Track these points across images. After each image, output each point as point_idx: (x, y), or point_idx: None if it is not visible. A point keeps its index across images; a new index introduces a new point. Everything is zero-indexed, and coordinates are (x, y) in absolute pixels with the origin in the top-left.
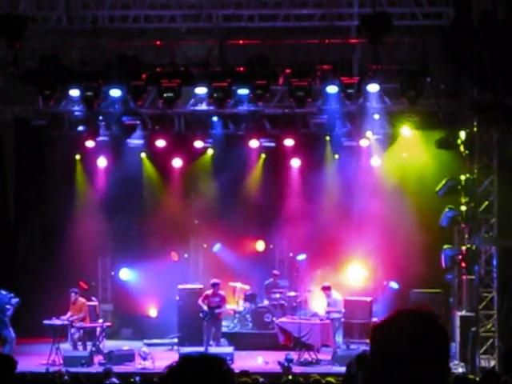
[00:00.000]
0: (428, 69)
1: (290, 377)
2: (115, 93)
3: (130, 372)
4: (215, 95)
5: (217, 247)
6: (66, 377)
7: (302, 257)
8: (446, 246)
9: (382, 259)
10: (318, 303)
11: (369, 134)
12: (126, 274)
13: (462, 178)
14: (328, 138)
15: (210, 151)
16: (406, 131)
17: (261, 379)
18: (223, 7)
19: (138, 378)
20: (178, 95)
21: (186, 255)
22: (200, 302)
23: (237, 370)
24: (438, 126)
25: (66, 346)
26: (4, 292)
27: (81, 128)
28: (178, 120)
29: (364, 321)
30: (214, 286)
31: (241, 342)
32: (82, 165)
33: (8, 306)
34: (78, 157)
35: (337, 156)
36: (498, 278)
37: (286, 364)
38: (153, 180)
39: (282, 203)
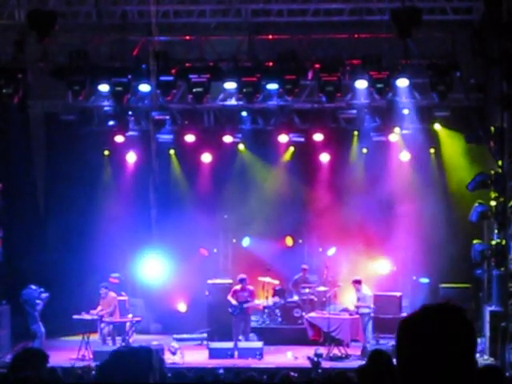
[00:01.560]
0: (457, 63)
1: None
2: (144, 88)
3: None
4: (244, 90)
5: (246, 242)
6: (93, 372)
7: (331, 251)
8: (475, 241)
9: (411, 254)
10: (347, 298)
11: (398, 128)
12: (154, 270)
13: (492, 172)
14: (356, 132)
15: (241, 146)
16: (436, 126)
17: (291, 373)
18: (252, 2)
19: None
20: (207, 90)
21: (215, 250)
22: (229, 297)
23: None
24: (468, 120)
25: (95, 341)
26: (34, 287)
27: (111, 123)
28: (208, 115)
29: (393, 316)
30: (242, 281)
31: (270, 336)
32: (111, 160)
33: (38, 301)
34: (106, 152)
35: (365, 150)
36: None
37: (315, 359)
38: (181, 175)
39: (310, 198)
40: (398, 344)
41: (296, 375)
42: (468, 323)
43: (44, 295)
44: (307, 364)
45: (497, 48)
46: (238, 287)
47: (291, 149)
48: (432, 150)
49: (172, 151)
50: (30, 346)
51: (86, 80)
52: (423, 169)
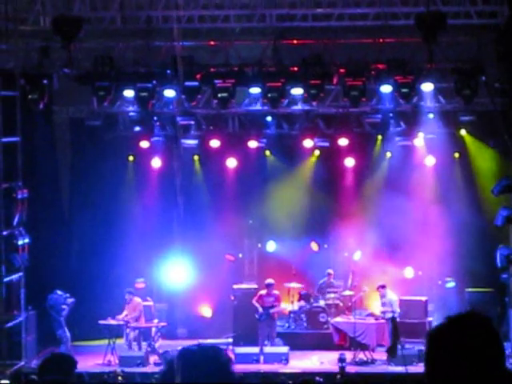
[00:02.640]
0: (483, 68)
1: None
2: (169, 93)
3: None
4: (269, 95)
5: (271, 247)
6: (119, 378)
7: (357, 256)
8: (501, 245)
9: (437, 258)
10: (373, 303)
11: (423, 133)
12: (179, 274)
13: None
14: (380, 137)
15: (267, 152)
16: (461, 130)
17: (317, 378)
18: (277, 7)
19: None
20: (232, 95)
21: (240, 255)
22: (254, 301)
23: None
24: (493, 124)
25: (121, 346)
26: (60, 292)
27: (137, 128)
28: (232, 120)
29: (419, 320)
30: (269, 286)
31: (296, 341)
32: (136, 166)
33: (64, 306)
34: (131, 158)
35: (389, 154)
36: None
37: (340, 364)
38: (206, 180)
39: (335, 202)
40: (426, 356)
41: (322, 380)
42: (494, 332)
43: (70, 300)
44: (333, 369)
45: None
46: (263, 292)
47: (316, 153)
48: (457, 155)
49: (196, 157)
50: (57, 351)
51: (111, 85)
52: (448, 173)
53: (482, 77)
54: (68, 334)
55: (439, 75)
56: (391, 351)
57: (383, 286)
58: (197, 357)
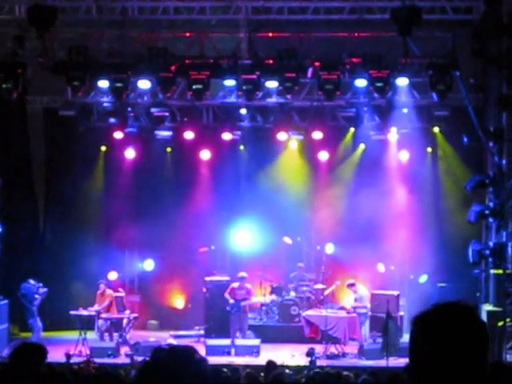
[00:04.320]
0: (457, 63)
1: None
2: (144, 84)
3: None
4: (244, 87)
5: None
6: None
7: (329, 249)
8: (473, 241)
9: (409, 253)
10: (345, 296)
11: (397, 127)
12: (149, 266)
13: (490, 172)
14: (352, 129)
15: (241, 147)
16: (435, 128)
17: (287, 371)
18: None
19: None
20: (206, 87)
21: (212, 247)
22: (226, 294)
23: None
24: (467, 120)
25: (92, 337)
26: (32, 281)
27: (112, 120)
28: (207, 112)
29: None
30: (242, 279)
31: (267, 334)
32: (108, 156)
33: (36, 296)
34: (103, 148)
35: (363, 147)
36: None
37: (309, 358)
38: (178, 173)
39: (309, 196)
40: (411, 342)
41: (292, 373)
42: (480, 322)
43: (42, 290)
44: (303, 361)
45: (496, 48)
46: (235, 285)
47: (292, 146)
48: (429, 149)
49: (169, 149)
50: (28, 340)
51: (86, 76)
52: (421, 168)
53: (456, 72)
54: (40, 323)
55: (414, 70)
56: (384, 348)
57: (352, 284)
58: (169, 357)
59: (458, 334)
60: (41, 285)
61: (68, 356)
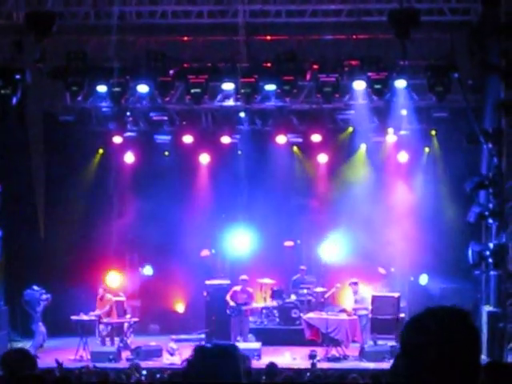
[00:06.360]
0: (455, 64)
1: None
2: (143, 89)
3: (158, 368)
4: (242, 91)
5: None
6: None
7: (330, 252)
8: (473, 242)
9: (409, 254)
10: (345, 299)
11: (396, 129)
12: (149, 271)
13: (489, 173)
14: (350, 130)
15: (239, 152)
16: (434, 127)
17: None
18: (250, 3)
19: (158, 376)
20: (205, 91)
21: (213, 251)
22: (228, 298)
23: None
24: (466, 121)
25: (93, 342)
26: (36, 288)
27: (111, 126)
28: (205, 116)
29: (392, 316)
30: (243, 282)
31: (268, 337)
32: (107, 160)
33: (40, 302)
34: (100, 151)
35: (363, 150)
36: None
37: (311, 360)
38: (177, 177)
39: (308, 199)
40: (402, 346)
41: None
42: (472, 326)
43: (45, 296)
44: (305, 364)
45: (495, 49)
46: (237, 288)
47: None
48: (427, 150)
49: (167, 153)
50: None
51: (85, 81)
52: (421, 169)
53: (454, 73)
54: (43, 329)
55: (412, 72)
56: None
57: (355, 283)
58: (213, 354)
59: (450, 338)
60: (44, 291)
61: (59, 363)
